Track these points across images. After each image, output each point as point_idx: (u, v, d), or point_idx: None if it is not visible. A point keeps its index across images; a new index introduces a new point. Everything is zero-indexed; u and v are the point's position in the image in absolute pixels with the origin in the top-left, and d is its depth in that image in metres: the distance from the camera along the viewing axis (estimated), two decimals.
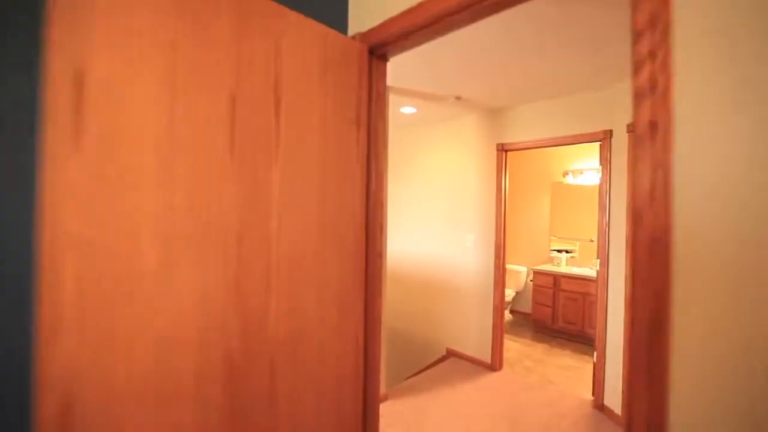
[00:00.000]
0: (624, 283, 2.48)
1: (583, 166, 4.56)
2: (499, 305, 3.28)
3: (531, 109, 3.08)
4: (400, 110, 3.37)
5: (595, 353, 2.74)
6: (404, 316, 4.12)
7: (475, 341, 3.45)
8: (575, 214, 4.75)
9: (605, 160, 2.67)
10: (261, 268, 0.84)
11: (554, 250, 4.88)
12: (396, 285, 4.21)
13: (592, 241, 4.70)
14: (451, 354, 3.64)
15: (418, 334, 3.96)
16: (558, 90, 2.74)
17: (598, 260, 2.74)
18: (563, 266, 4.54)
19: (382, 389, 2.69)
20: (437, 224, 3.79)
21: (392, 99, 3.03)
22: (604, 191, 2.69)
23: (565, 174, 4.72)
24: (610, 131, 2.63)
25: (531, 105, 3.07)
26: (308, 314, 0.97)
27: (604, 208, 2.67)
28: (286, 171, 0.91)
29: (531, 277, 4.74)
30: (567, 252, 4.79)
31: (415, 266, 4.02)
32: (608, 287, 2.64)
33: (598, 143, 2.78)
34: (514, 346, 3.93)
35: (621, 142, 2.55)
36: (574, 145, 4.54)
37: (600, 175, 2.76)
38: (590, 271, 4.21)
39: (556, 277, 4.26)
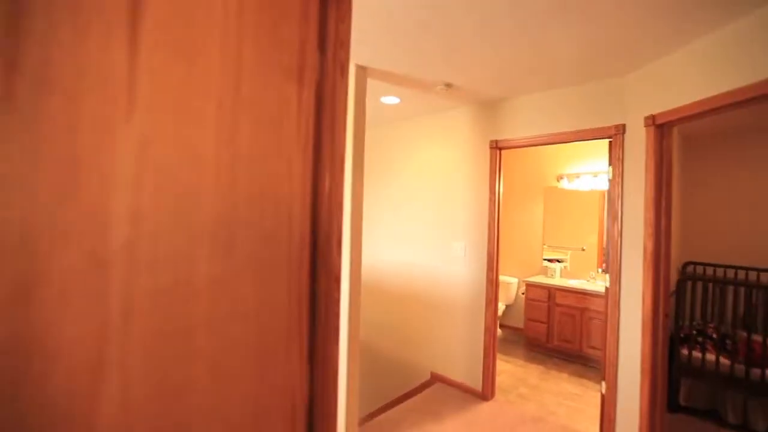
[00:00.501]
0: (642, 302, 2.10)
1: (580, 170, 4.24)
2: (492, 326, 2.87)
3: (531, 101, 2.70)
4: (381, 100, 2.95)
5: (603, 383, 2.35)
6: (383, 333, 3.66)
7: (464, 365, 3.03)
8: (569, 221, 4.42)
9: (617, 160, 2.30)
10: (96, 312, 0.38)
11: (547, 259, 4.53)
12: (373, 298, 3.76)
13: (583, 250, 4.39)
14: (436, 379, 3.20)
15: (399, 355, 3.52)
16: (564, 77, 2.37)
17: (607, 275, 2.36)
18: (557, 278, 4.19)
19: (353, 428, 2.23)
20: (422, 230, 3.37)
21: (371, 86, 2.60)
22: (615, 196, 2.32)
23: (560, 178, 4.38)
24: (623, 126, 2.27)
25: (531, 96, 2.70)
26: (193, 394, 0.51)
27: (615, 215, 2.30)
28: (150, 144, 0.46)
29: (523, 289, 4.36)
30: (559, 262, 4.46)
31: (396, 277, 3.58)
32: (620, 306, 2.26)
33: (607, 141, 2.42)
34: (506, 368, 3.52)
35: (637, 138, 2.19)
36: (570, 147, 4.27)
37: (610, 177, 2.39)
38: (587, 283, 3.86)
39: (551, 290, 3.89)
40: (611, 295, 2.31)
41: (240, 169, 0.56)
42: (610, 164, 2.41)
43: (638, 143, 2.17)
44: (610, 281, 2.32)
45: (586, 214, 4.32)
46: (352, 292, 2.24)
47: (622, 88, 2.29)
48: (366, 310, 3.82)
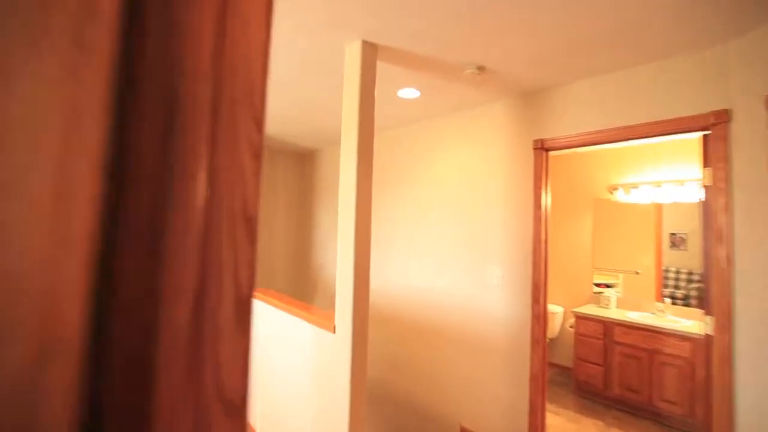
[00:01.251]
0: None
1: (639, 179, 3.55)
2: (539, 373, 2.23)
3: (588, 86, 2.12)
4: (398, 94, 2.45)
5: None
6: (401, 371, 3.07)
7: (503, 421, 2.39)
8: (621, 240, 3.71)
9: (719, 159, 1.67)
10: None
11: (597, 284, 3.82)
12: (389, 330, 3.18)
13: (637, 273, 3.65)
14: None
15: (422, 401, 2.90)
16: (635, 50, 1.79)
17: (708, 317, 1.70)
18: (613, 309, 3.47)
19: None
20: (449, 251, 2.79)
21: (384, 74, 2.11)
22: (718, 208, 1.67)
23: (613, 189, 3.71)
24: (727, 112, 1.65)
25: (589, 81, 2.12)
26: None
27: (720, 235, 1.65)
28: None
29: (571, 321, 3.67)
30: (609, 287, 3.74)
31: (416, 306, 3.01)
32: (734, 362, 1.60)
33: (699, 135, 1.80)
34: (554, 423, 2.83)
35: (750, 127, 1.56)
36: (627, 153, 3.58)
37: (706, 183, 1.76)
38: (655, 318, 3.13)
39: (607, 325, 3.19)
40: (718, 347, 1.64)
41: None
42: (706, 165, 1.78)
43: (754, 134, 1.54)
44: (715, 327, 1.65)
45: (642, 231, 3.61)
46: (356, 319, 1.71)
47: (723, 61, 1.68)
48: (381, 344, 3.25)
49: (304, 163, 4.65)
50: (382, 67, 2.07)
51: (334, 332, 1.80)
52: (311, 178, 4.53)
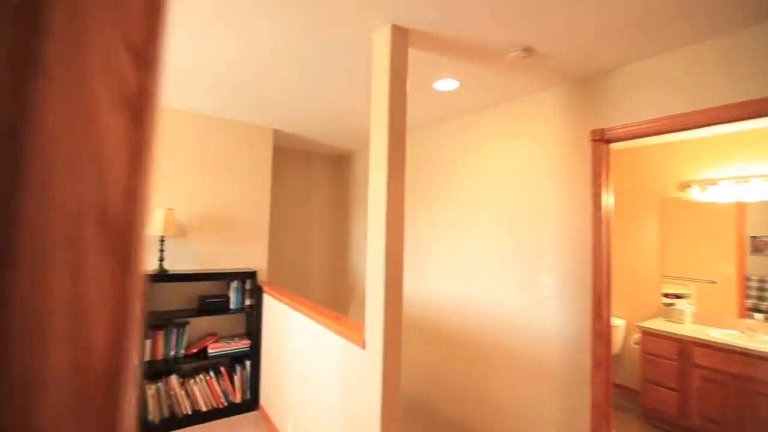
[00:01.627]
0: None
1: (719, 174, 3.07)
2: (603, 401, 1.92)
3: (660, 64, 1.80)
4: (434, 86, 2.26)
5: None
6: (437, 386, 2.84)
7: None
8: (694, 244, 3.23)
9: None
10: None
11: (666, 295, 3.36)
12: (427, 340, 2.97)
13: (713, 282, 3.14)
14: None
15: (460, 421, 2.65)
16: (720, 16, 1.47)
17: None
18: (688, 325, 3.01)
19: None
20: (493, 258, 2.54)
21: (418, 63, 1.93)
22: None
23: (685, 186, 3.24)
24: None
25: (660, 58, 1.80)
26: None
27: None
28: None
29: (635, 337, 3.24)
30: (678, 297, 3.26)
31: (457, 317, 2.77)
32: None
33: None
34: None
35: None
36: (703, 145, 3.10)
37: None
38: (745, 338, 2.66)
39: (683, 344, 2.76)
40: None
41: None
42: None
43: None
44: None
45: (718, 234, 3.11)
46: (388, 335, 1.53)
47: None
48: (416, 354, 3.04)
49: (341, 165, 4.57)
50: (415, 56, 1.89)
51: (364, 347, 1.63)
52: (347, 180, 4.43)
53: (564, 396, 2.08)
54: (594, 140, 2.01)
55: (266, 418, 2.76)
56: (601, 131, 1.99)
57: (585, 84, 2.08)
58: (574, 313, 2.06)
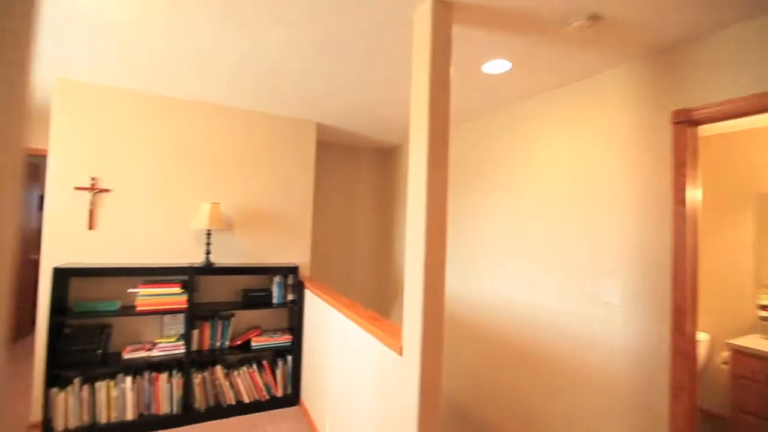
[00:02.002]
0: None
1: None
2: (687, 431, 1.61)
3: (764, 27, 1.45)
4: (483, 69, 2.05)
5: None
6: (480, 394, 2.62)
7: None
8: None
9: None
10: None
11: (764, 307, 2.84)
12: (470, 343, 2.76)
13: None
14: None
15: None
16: None
17: None
18: None
19: None
20: (547, 258, 2.28)
21: (462, 41, 1.75)
22: None
23: None
24: None
25: (765, 19, 1.46)
26: None
27: None
28: None
29: (723, 356, 2.78)
30: None
31: (505, 321, 2.54)
32: None
33: None
34: None
35: None
36: None
37: None
38: None
39: None
40: None
41: None
42: None
43: None
44: None
45: None
46: (427, 343, 1.39)
47: None
48: (459, 355, 2.85)
49: (386, 159, 4.47)
50: (461, 35, 1.71)
51: (401, 354, 1.50)
52: (392, 175, 4.32)
53: (633, 421, 1.80)
54: (676, 123, 1.70)
55: (306, 415, 2.73)
56: (687, 112, 1.66)
57: (664, 56, 1.76)
58: (647, 325, 1.76)
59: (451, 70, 1.59)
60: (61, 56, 2.14)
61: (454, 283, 3.09)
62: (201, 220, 2.69)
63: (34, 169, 4.19)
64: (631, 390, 1.81)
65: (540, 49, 1.80)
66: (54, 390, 2.30)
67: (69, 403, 2.32)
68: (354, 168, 4.35)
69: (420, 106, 1.49)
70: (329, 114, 3.06)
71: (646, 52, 1.79)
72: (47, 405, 2.26)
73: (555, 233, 2.25)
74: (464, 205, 3.05)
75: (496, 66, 2.00)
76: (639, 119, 1.85)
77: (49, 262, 2.45)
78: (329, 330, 2.39)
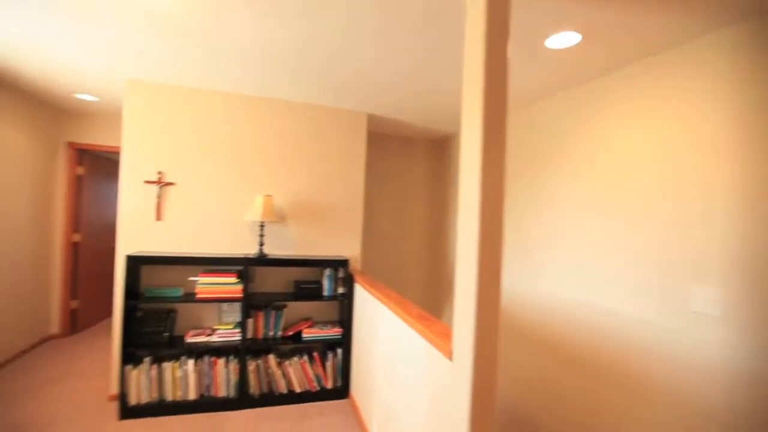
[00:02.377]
0: None
1: None
2: None
3: None
4: (546, 44, 1.82)
5: None
6: (543, 402, 2.40)
7: None
8: None
9: None
10: None
11: None
12: (534, 348, 2.54)
13: None
14: None
15: None
16: None
17: None
18: None
19: None
20: (626, 260, 2.01)
21: (522, 13, 1.55)
22: None
23: None
24: None
25: None
26: None
27: None
28: None
29: None
30: None
31: (573, 327, 2.29)
32: None
33: None
34: None
35: None
36: None
37: None
38: None
39: None
40: None
41: None
42: None
43: None
44: None
45: None
46: (480, 348, 1.26)
47: None
48: (516, 359, 2.64)
49: (440, 150, 4.30)
50: (521, 6, 1.52)
51: (451, 359, 1.38)
52: (447, 166, 4.14)
53: None
54: None
55: (355, 408, 2.72)
56: None
57: None
58: (756, 342, 1.46)
59: (509, 47, 1.41)
60: (129, 58, 2.28)
61: (508, 281, 2.87)
62: (254, 212, 2.76)
63: (114, 165, 4.64)
64: (735, 416, 1.52)
65: (615, 16, 1.54)
66: (128, 367, 2.50)
67: (141, 379, 2.52)
68: (406, 160, 4.24)
69: (473, 89, 1.33)
70: (382, 104, 2.98)
71: (756, 7, 1.45)
72: (123, 380, 2.48)
73: (629, 230, 1.97)
74: (526, 198, 2.81)
75: (563, 39, 1.76)
76: (749, 92, 1.52)
77: (123, 250, 2.67)
78: (378, 326, 2.33)
